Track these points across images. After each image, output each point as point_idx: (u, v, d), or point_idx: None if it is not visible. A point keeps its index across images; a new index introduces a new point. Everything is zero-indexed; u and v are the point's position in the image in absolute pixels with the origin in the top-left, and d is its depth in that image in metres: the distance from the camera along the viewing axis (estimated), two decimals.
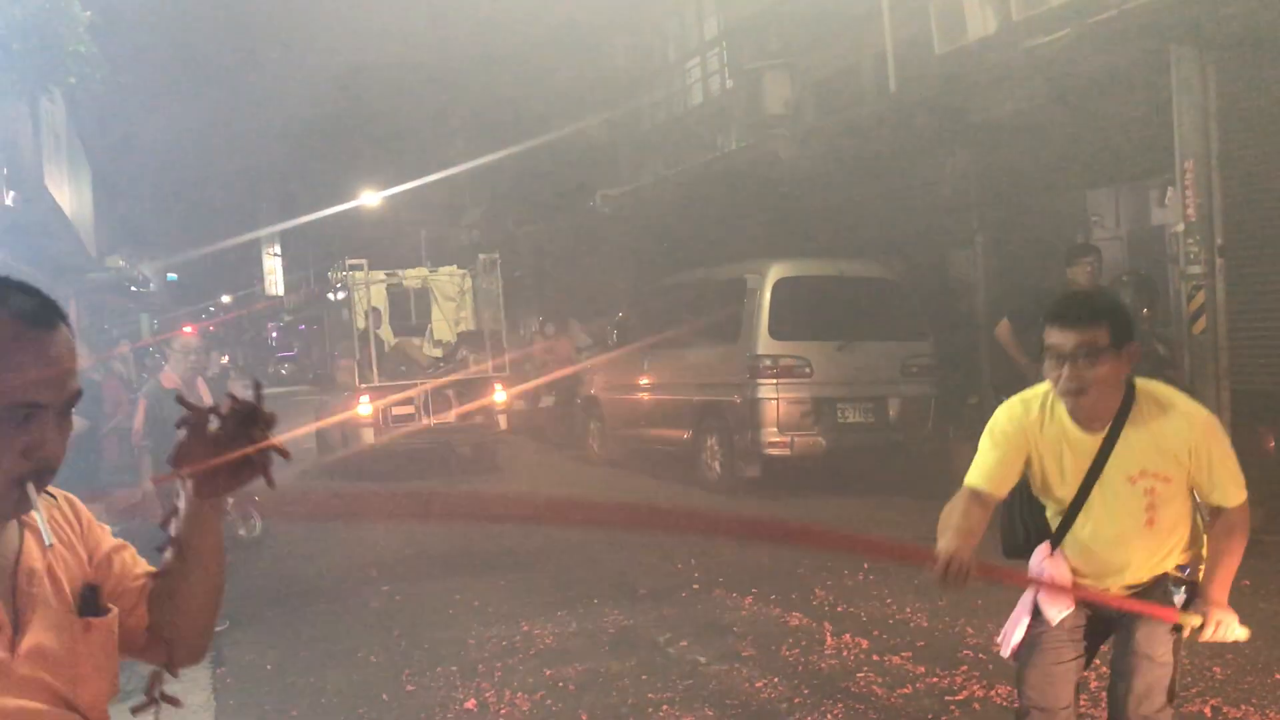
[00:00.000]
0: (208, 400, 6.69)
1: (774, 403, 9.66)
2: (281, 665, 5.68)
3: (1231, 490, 2.81)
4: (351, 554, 8.54)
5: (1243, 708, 4.13)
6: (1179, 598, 2.83)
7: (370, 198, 29.09)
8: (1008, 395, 8.31)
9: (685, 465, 10.81)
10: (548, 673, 5.25)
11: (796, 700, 4.69)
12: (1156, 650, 2.83)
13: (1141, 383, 2.87)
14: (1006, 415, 2.95)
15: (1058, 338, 2.80)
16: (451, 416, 12.44)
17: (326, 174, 31.93)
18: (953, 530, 2.77)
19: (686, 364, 10.92)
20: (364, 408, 12.17)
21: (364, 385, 12.41)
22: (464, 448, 13.41)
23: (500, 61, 20.75)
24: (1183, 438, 2.78)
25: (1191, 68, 7.40)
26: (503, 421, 12.83)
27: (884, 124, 11.76)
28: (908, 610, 5.98)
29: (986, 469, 2.91)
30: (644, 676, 5.12)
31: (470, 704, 4.88)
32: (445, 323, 14.18)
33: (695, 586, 6.77)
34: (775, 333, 9.75)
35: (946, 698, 4.59)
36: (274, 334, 47.08)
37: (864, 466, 10.09)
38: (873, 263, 10.70)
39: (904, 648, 5.31)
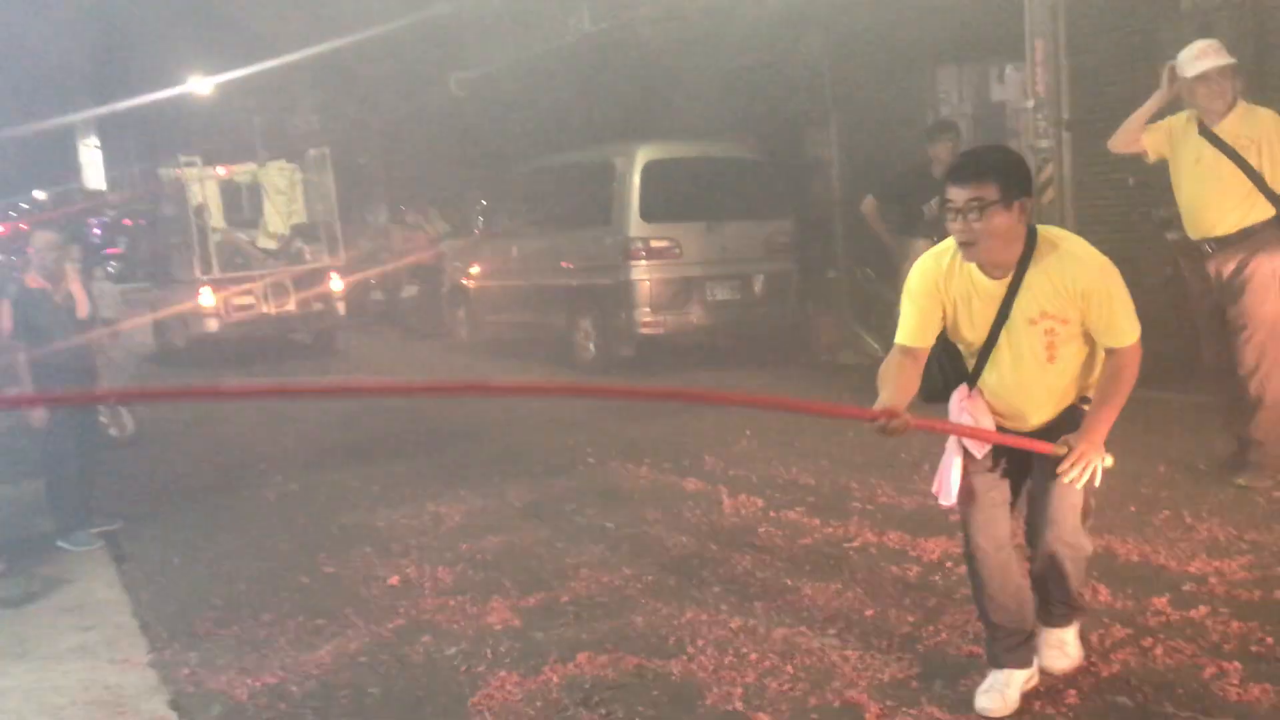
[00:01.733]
0: (80, 296, 6.49)
1: (647, 283, 9.90)
2: (189, 558, 5.69)
3: (1121, 330, 3.08)
4: (233, 448, 8.47)
5: (1105, 537, 4.63)
6: None
7: (198, 84, 27.56)
8: (872, 268, 8.80)
9: (559, 347, 10.99)
10: (464, 546, 5.44)
11: (706, 555, 5.01)
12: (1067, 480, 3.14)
13: (1043, 230, 3.15)
14: (919, 273, 3.22)
15: (951, 193, 3.06)
16: (291, 305, 13.28)
17: (147, 58, 30.01)
18: (890, 386, 3.06)
19: (557, 248, 11.01)
20: (206, 299, 12.85)
21: (205, 277, 12.94)
22: (303, 335, 14.20)
23: None
24: (1078, 280, 3.05)
25: None
26: (341, 308, 13.70)
27: (738, 3, 11.86)
28: (794, 471, 6.37)
29: (909, 326, 3.20)
30: (558, 544, 5.37)
31: (394, 580, 5.03)
32: (278, 216, 14.67)
33: (591, 460, 7.03)
34: (646, 215, 9.93)
35: (844, 544, 4.98)
36: (96, 230, 44.52)
37: (732, 341, 10.49)
38: (736, 143, 10.93)
39: (797, 504, 5.69)
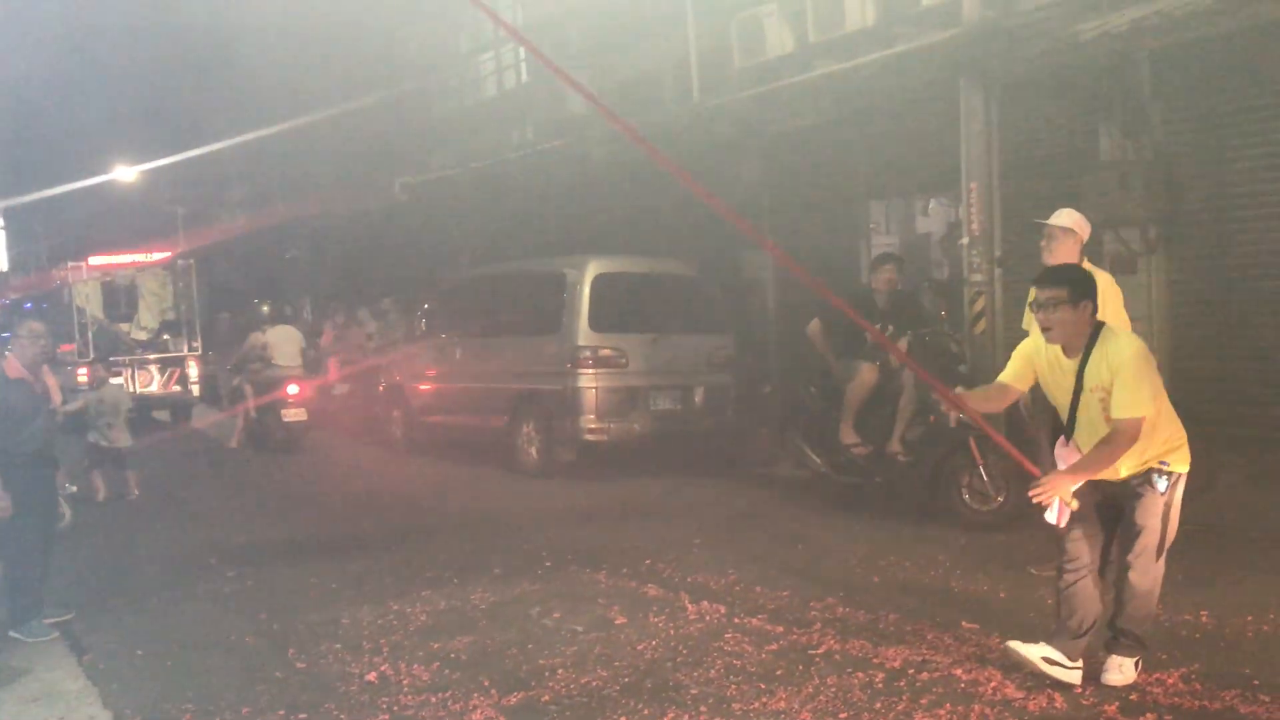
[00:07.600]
0: (54, 387, 6.51)
1: (593, 391, 10.18)
2: (152, 651, 5.65)
3: (1121, 404, 4.16)
4: (179, 542, 8.40)
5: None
6: (1163, 485, 4.30)
7: (122, 173, 27.38)
8: (815, 386, 9.12)
9: (499, 451, 11.14)
10: (435, 646, 5.52)
11: (678, 659, 5.19)
12: (1144, 518, 4.31)
13: (1109, 327, 4.35)
14: (1025, 343, 4.63)
15: (1035, 294, 4.38)
16: (155, 386, 16.06)
17: (68, 139, 29.74)
18: (980, 398, 4.70)
19: (503, 353, 11.25)
20: (82, 377, 14.69)
21: (82, 360, 15.23)
22: (161, 412, 16.58)
23: (278, 36, 20.17)
24: (1113, 360, 4.20)
25: (978, 100, 8.44)
26: (196, 390, 16.32)
27: (685, 130, 12.45)
28: (749, 580, 6.59)
29: (1009, 371, 4.64)
30: (530, 646, 5.49)
31: (371, 676, 5.10)
32: (149, 312, 17.81)
33: (548, 563, 7.17)
34: (595, 325, 10.26)
35: (810, 651, 5.21)
36: None
37: (672, 450, 10.78)
38: (680, 261, 11.39)
39: (758, 611, 5.91)
